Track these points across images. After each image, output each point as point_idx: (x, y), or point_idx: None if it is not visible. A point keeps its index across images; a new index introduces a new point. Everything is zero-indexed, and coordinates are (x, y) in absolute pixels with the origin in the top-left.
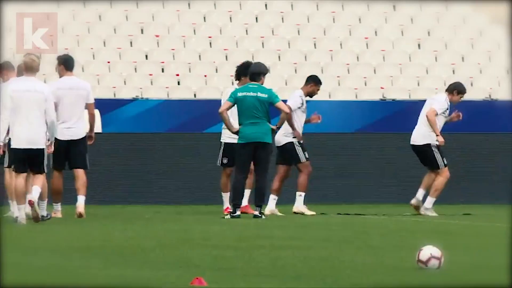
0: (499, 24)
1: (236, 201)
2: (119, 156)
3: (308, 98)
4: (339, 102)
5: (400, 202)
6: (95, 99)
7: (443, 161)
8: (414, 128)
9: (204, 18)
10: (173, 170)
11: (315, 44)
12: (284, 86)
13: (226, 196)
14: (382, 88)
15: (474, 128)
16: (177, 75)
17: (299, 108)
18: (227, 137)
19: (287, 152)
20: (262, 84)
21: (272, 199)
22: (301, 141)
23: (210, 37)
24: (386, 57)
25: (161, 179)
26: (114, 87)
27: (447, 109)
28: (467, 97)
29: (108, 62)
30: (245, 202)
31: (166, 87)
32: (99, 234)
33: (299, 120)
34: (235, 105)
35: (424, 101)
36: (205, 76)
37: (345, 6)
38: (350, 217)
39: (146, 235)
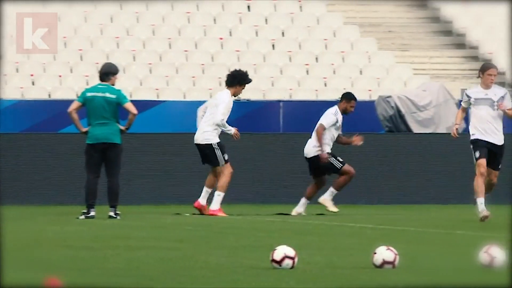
0: (353, 25)
1: (90, 202)
2: None
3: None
4: (194, 102)
5: (255, 202)
6: None
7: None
8: (268, 127)
9: (59, 18)
10: (27, 170)
11: (170, 45)
12: (139, 86)
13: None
14: None
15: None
16: (32, 75)
17: (333, 125)
18: (216, 135)
19: (319, 164)
20: (113, 84)
21: (302, 203)
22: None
23: (65, 37)
24: (241, 58)
25: (14, 179)
26: None
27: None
28: (322, 97)
29: None
30: (203, 201)
31: (21, 87)
32: None
33: (332, 136)
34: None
35: (278, 102)
36: (60, 76)
37: (200, 6)
38: (205, 217)
39: None
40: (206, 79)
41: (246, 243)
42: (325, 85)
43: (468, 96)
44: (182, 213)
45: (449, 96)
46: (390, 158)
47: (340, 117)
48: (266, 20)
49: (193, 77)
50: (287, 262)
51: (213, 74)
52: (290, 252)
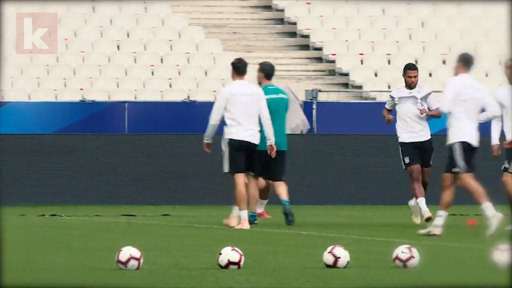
0: (197, 26)
1: None
2: None
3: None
4: (39, 103)
5: (100, 203)
6: None
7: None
8: (113, 128)
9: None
10: None
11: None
12: None
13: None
14: (81, 89)
15: (173, 129)
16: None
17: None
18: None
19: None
20: None
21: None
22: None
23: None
24: (86, 58)
25: None
26: None
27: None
28: (166, 98)
29: None
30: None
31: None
32: None
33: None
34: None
35: (123, 102)
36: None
37: (44, 7)
38: (51, 218)
39: None
40: (51, 80)
41: (92, 244)
42: (170, 86)
43: None
44: (27, 214)
45: (293, 97)
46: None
47: (397, 93)
48: (111, 21)
49: (38, 78)
50: (133, 263)
51: (57, 75)
52: (136, 253)
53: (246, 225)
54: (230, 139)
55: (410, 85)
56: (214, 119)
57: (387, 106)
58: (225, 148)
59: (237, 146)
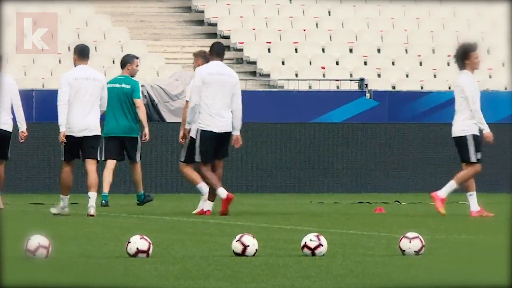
0: (104, 14)
1: None
2: None
3: None
4: None
5: (12, 191)
6: None
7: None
8: None
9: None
10: None
11: None
12: None
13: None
14: None
15: None
16: None
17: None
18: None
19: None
20: None
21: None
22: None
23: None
24: None
25: None
26: None
27: None
28: None
29: None
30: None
31: None
32: None
33: None
34: None
35: (31, 91)
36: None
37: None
38: None
39: None
40: None
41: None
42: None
43: None
44: None
45: None
46: (142, 147)
47: None
48: (17, 8)
49: None
50: (41, 252)
51: None
52: (44, 241)
53: None
54: None
55: None
56: None
57: None
58: None
59: None
